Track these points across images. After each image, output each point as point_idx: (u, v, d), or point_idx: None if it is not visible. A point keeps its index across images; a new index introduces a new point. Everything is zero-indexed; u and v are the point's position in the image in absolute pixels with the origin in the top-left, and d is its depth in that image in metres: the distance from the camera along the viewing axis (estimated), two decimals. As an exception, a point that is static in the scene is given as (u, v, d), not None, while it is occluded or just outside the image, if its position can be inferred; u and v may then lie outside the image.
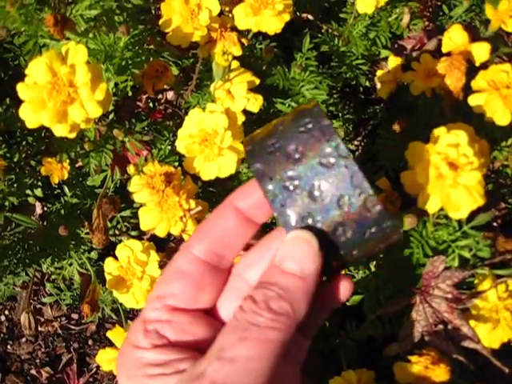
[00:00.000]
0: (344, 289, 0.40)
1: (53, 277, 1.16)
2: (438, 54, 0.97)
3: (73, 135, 0.72)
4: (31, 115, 0.70)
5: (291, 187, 0.36)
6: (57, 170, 0.94)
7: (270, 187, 0.37)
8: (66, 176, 0.95)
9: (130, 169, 0.81)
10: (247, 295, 0.35)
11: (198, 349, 0.37)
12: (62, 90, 0.69)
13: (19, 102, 1.00)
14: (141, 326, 0.38)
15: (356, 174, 0.35)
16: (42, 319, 1.22)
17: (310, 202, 0.36)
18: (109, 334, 0.91)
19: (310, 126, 0.37)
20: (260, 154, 0.37)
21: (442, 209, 0.72)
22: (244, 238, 0.40)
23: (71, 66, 0.70)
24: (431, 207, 0.71)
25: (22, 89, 0.71)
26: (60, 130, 0.71)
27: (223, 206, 0.40)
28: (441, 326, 0.79)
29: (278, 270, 0.36)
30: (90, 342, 1.24)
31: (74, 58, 0.70)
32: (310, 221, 0.36)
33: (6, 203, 0.95)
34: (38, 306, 1.23)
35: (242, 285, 0.39)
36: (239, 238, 0.39)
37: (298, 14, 1.08)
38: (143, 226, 0.81)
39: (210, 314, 0.39)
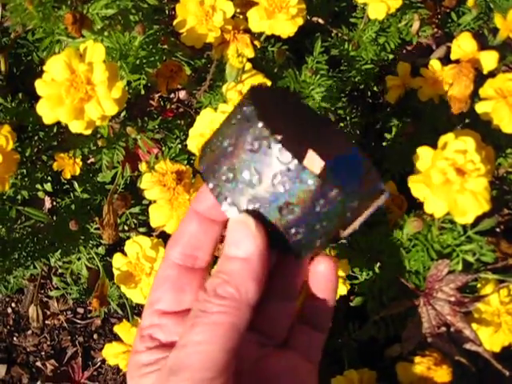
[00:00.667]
0: (325, 269, 0.41)
1: (60, 271, 1.17)
2: (446, 60, 0.98)
3: (88, 132, 0.74)
4: (48, 111, 0.72)
5: (230, 179, 0.37)
6: (69, 165, 0.96)
7: (211, 185, 0.38)
8: (77, 172, 0.96)
9: (142, 166, 0.83)
10: (205, 286, 0.38)
11: None
12: (80, 88, 0.70)
13: (31, 96, 1.01)
14: (138, 333, 0.41)
15: (281, 151, 0.35)
16: (48, 312, 1.23)
17: (249, 189, 0.37)
18: (116, 329, 0.93)
19: (238, 116, 0.37)
20: (205, 156, 0.39)
21: (447, 213, 0.73)
22: (210, 237, 0.41)
23: (89, 63, 0.71)
24: (437, 211, 0.72)
25: (40, 85, 0.72)
26: (76, 127, 0.72)
27: (187, 213, 0.42)
28: (443, 329, 0.81)
29: (224, 257, 0.38)
30: (95, 336, 1.25)
31: (92, 56, 0.72)
32: (254, 207, 0.37)
33: (18, 197, 0.97)
34: (45, 299, 1.24)
35: None
36: (206, 238, 0.41)
37: (308, 17, 1.09)
38: (153, 223, 0.82)
39: None
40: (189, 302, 0.41)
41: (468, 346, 0.80)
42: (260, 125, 0.36)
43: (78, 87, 0.70)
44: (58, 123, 0.98)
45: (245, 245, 0.37)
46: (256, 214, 0.37)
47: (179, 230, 0.42)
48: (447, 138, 0.73)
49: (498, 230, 1.07)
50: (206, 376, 0.34)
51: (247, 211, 0.37)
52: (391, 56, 1.09)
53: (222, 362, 0.35)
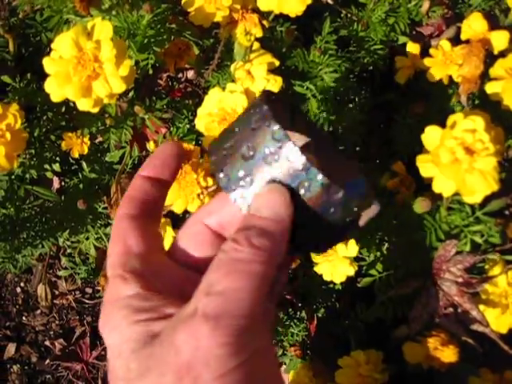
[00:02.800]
0: None
1: (68, 251, 1.18)
2: (455, 41, 0.97)
3: (96, 110, 0.74)
4: (56, 89, 0.72)
5: (242, 182, 0.37)
6: (77, 144, 0.96)
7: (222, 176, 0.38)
8: (85, 151, 0.97)
9: (150, 145, 0.83)
10: (227, 240, 0.36)
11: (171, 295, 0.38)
12: (88, 65, 0.70)
13: (40, 77, 1.01)
14: (113, 274, 0.39)
15: (296, 154, 0.35)
16: (57, 292, 1.24)
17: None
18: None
19: (254, 118, 0.38)
20: (218, 159, 0.38)
21: (455, 194, 0.73)
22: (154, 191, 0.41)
23: (97, 41, 0.71)
24: (446, 191, 0.72)
25: (47, 63, 0.72)
26: (84, 105, 0.72)
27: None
28: (451, 309, 0.81)
29: (255, 217, 0.37)
30: (103, 316, 1.26)
31: (99, 34, 0.72)
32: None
33: (27, 176, 0.97)
34: (53, 279, 1.25)
35: (201, 229, 0.40)
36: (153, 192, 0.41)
37: (317, -2, 1.08)
38: (161, 202, 0.82)
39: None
40: (134, 247, 0.39)
41: (475, 326, 0.80)
42: (277, 126, 0.36)
43: (85, 65, 0.70)
44: (66, 103, 0.99)
45: (280, 210, 0.36)
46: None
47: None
48: (456, 117, 0.73)
49: (506, 212, 1.07)
50: (245, 323, 0.33)
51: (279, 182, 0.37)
52: (401, 37, 1.08)
53: (252, 312, 0.34)
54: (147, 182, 0.41)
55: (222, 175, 0.38)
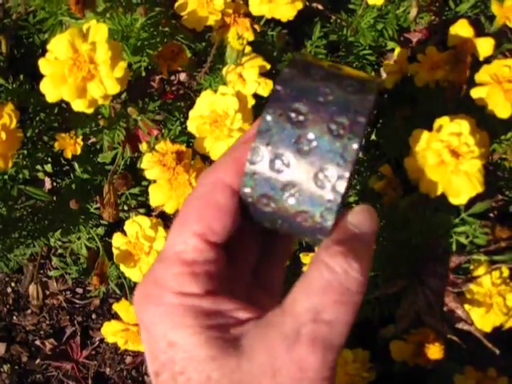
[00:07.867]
0: None
1: (59, 251, 1.19)
2: (442, 47, 0.99)
3: (90, 110, 0.75)
4: (52, 89, 0.73)
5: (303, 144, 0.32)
6: (70, 145, 0.97)
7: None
8: (78, 151, 0.98)
9: (143, 146, 0.84)
10: (334, 254, 0.32)
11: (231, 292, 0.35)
12: (83, 67, 0.72)
13: (32, 78, 1.02)
14: (182, 269, 0.33)
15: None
16: (48, 292, 1.25)
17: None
18: (115, 307, 0.94)
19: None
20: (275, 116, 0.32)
21: (441, 196, 0.75)
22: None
23: (92, 43, 0.72)
24: (432, 192, 0.74)
25: (43, 64, 0.73)
26: (79, 105, 0.73)
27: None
28: (436, 308, 0.83)
29: (362, 239, 0.34)
30: (94, 316, 1.27)
31: (95, 36, 0.73)
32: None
33: (20, 176, 0.98)
34: (44, 279, 1.26)
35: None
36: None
37: (307, 3, 1.10)
38: (153, 202, 0.83)
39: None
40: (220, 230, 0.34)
41: (460, 325, 0.82)
42: (356, 146, 0.32)
43: (80, 66, 0.72)
44: (60, 104, 1.00)
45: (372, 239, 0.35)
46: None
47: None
48: (442, 121, 0.75)
49: (491, 215, 1.09)
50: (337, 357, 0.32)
51: None
52: (389, 42, 1.10)
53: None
54: None
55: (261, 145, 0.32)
